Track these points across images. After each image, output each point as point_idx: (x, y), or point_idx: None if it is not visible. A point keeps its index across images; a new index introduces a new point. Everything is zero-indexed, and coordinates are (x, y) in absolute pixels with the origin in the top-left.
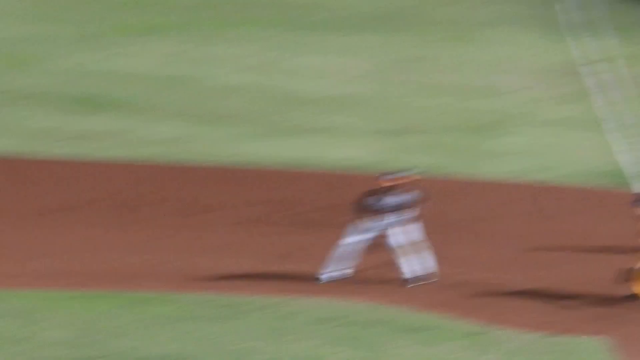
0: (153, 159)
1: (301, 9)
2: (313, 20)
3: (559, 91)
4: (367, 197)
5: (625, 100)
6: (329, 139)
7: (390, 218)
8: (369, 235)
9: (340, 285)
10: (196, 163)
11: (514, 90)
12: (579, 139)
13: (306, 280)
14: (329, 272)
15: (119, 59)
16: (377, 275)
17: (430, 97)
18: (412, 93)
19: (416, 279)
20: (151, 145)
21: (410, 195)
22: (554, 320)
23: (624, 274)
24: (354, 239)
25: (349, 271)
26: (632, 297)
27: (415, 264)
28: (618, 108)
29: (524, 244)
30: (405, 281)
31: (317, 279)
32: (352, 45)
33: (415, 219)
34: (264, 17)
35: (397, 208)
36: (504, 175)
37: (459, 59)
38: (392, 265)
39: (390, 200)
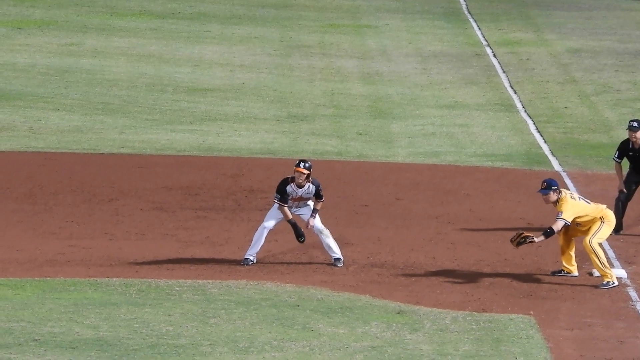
0: (59, 147)
1: (185, 1)
2: (198, 11)
3: (463, 74)
4: (286, 183)
5: (530, 82)
6: (230, 126)
7: (306, 204)
8: (286, 219)
9: (266, 268)
10: (105, 151)
11: (418, 73)
12: (488, 120)
13: (229, 264)
14: (252, 255)
15: (16, 51)
16: (303, 257)
17: (333, 82)
18: (314, 79)
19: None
20: (54, 135)
21: (316, 182)
22: (479, 299)
23: (515, 236)
24: (275, 223)
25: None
26: (559, 272)
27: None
28: (523, 90)
29: (441, 224)
30: (337, 261)
31: (242, 262)
32: (242, 34)
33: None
34: (153, 8)
35: (313, 193)
36: (415, 157)
37: (359, 45)
38: (318, 247)
39: (308, 186)
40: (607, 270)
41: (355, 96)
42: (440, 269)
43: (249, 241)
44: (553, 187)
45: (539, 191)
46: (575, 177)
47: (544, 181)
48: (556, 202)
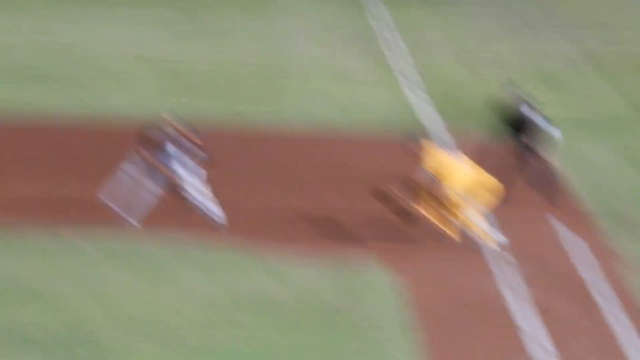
0: None
1: None
2: None
3: (358, 50)
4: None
5: (425, 59)
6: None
7: (180, 163)
8: (161, 179)
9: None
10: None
11: (313, 48)
12: (373, 93)
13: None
14: (133, 217)
15: None
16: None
17: (226, 55)
18: (204, 61)
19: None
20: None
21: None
22: (344, 257)
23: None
24: (136, 169)
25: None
26: (409, 220)
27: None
28: (406, 68)
29: (318, 188)
30: (216, 221)
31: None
32: (149, 17)
33: (199, 168)
34: None
35: (185, 152)
36: (301, 126)
37: (252, 29)
38: (196, 208)
39: (177, 145)
40: (487, 234)
41: (255, 73)
42: (312, 230)
43: (111, 181)
44: (418, 138)
45: (404, 141)
46: (467, 148)
47: (408, 131)
48: (421, 155)
